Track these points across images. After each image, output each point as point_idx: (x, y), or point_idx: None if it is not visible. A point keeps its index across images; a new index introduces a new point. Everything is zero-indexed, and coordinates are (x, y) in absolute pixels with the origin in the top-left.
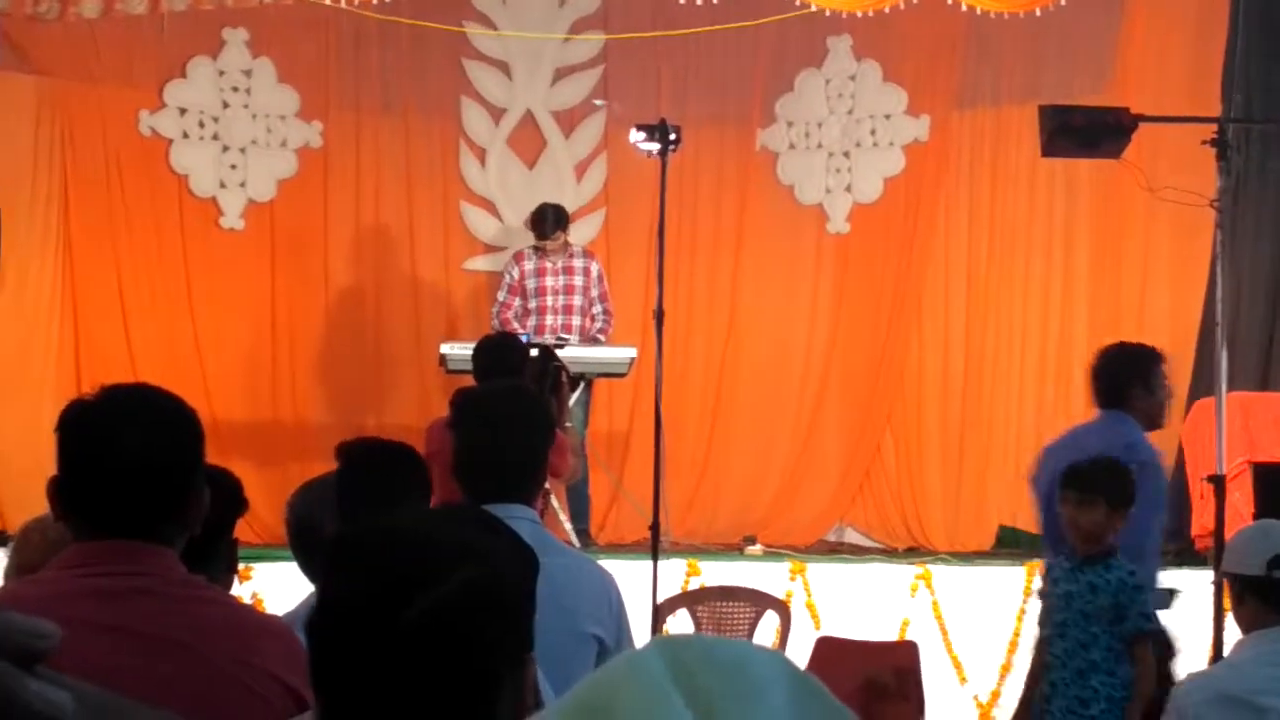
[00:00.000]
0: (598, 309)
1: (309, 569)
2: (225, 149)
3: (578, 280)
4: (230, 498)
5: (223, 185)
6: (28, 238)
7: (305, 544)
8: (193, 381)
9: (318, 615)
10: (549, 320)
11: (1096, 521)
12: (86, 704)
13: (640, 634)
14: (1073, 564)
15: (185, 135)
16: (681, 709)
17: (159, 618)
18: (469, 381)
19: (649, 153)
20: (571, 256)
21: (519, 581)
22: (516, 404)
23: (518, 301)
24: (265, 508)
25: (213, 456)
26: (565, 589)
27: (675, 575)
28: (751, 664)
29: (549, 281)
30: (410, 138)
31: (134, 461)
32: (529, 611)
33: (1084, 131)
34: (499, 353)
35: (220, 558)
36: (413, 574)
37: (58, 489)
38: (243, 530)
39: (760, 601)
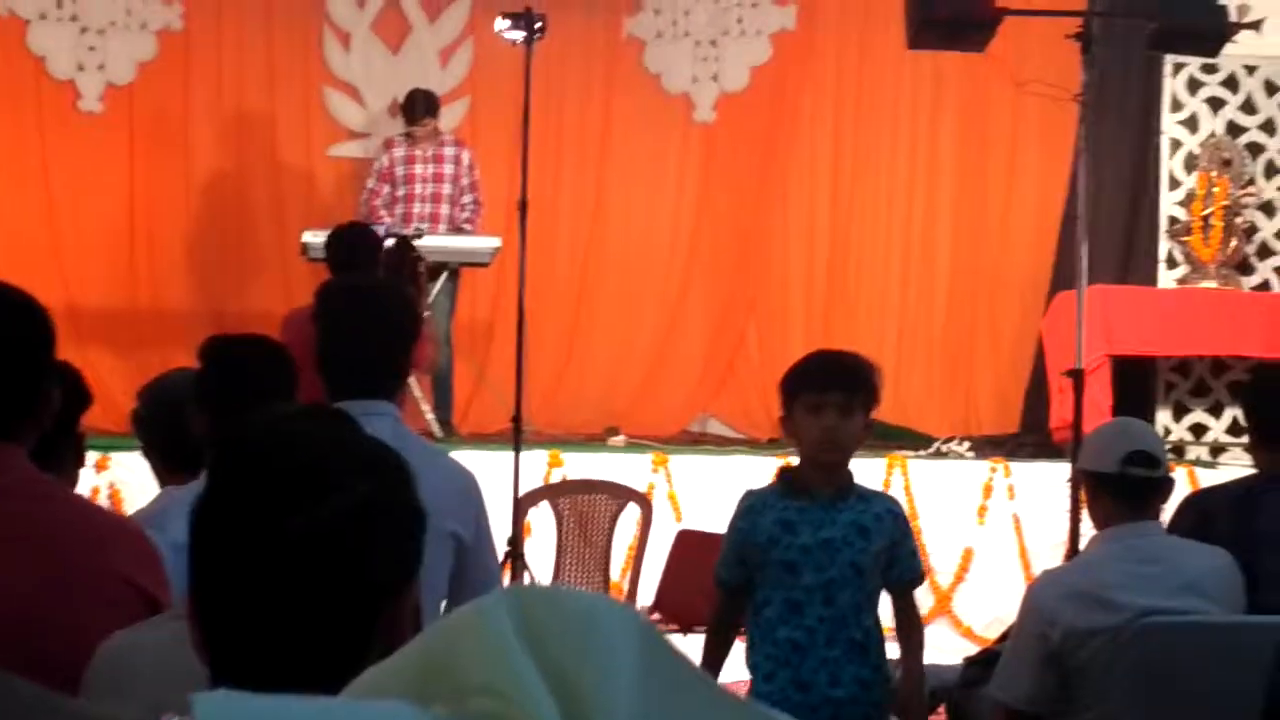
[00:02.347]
0: (467, 198)
1: (162, 462)
2: (84, 30)
3: (447, 169)
4: (74, 393)
5: (81, 68)
6: None
7: (159, 439)
8: (49, 267)
9: (203, 512)
10: (416, 208)
11: (855, 435)
12: None
13: (501, 529)
14: (820, 500)
15: (43, 16)
16: (526, 662)
17: (9, 518)
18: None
19: (514, 41)
20: (442, 145)
21: (412, 502)
22: (381, 299)
23: (386, 189)
24: (124, 396)
25: (70, 344)
26: (423, 486)
27: (537, 467)
28: (601, 618)
29: (418, 169)
30: (273, 21)
31: None
32: (418, 534)
33: (949, 24)
34: (353, 242)
35: (67, 454)
36: (308, 482)
37: None
38: (99, 418)
39: (621, 494)
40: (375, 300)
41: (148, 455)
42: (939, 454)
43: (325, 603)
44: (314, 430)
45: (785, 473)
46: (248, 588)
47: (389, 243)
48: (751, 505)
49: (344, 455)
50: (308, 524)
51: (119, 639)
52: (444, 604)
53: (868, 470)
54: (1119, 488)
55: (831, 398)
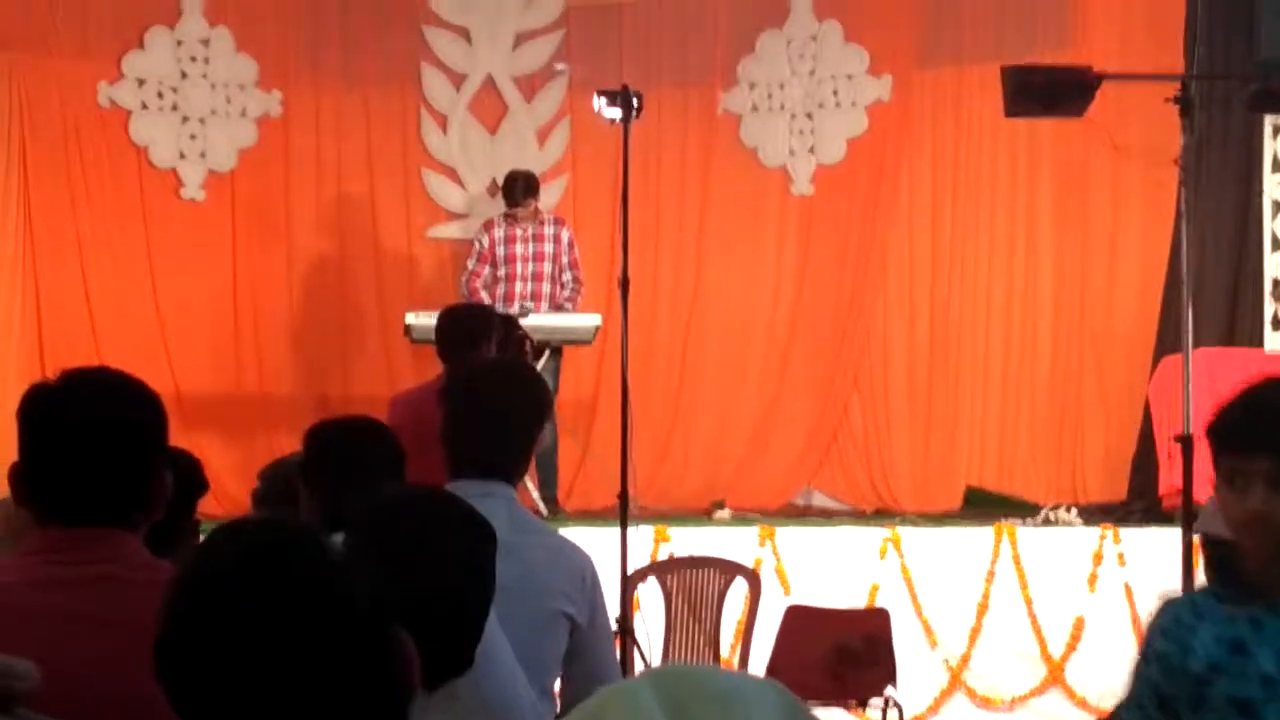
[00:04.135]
0: (567, 276)
1: None
2: (185, 119)
3: (548, 248)
4: (191, 480)
5: (182, 156)
6: None
7: None
8: (156, 355)
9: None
10: (518, 288)
11: None
12: None
13: (609, 605)
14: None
15: (144, 106)
16: None
17: (123, 605)
18: (433, 352)
19: (612, 120)
20: (542, 224)
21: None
22: (511, 381)
23: (487, 269)
24: (231, 480)
25: (177, 429)
26: (539, 567)
27: (644, 542)
28: (746, 695)
29: (519, 249)
30: (370, 105)
31: (94, 448)
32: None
33: (1046, 91)
34: (465, 322)
35: (183, 540)
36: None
37: (19, 476)
38: (208, 503)
39: (729, 569)
40: (505, 382)
41: None
42: (1047, 521)
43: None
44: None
45: (1220, 564)
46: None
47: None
48: (1176, 618)
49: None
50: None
51: None
52: (558, 685)
53: (975, 540)
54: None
55: (1258, 464)
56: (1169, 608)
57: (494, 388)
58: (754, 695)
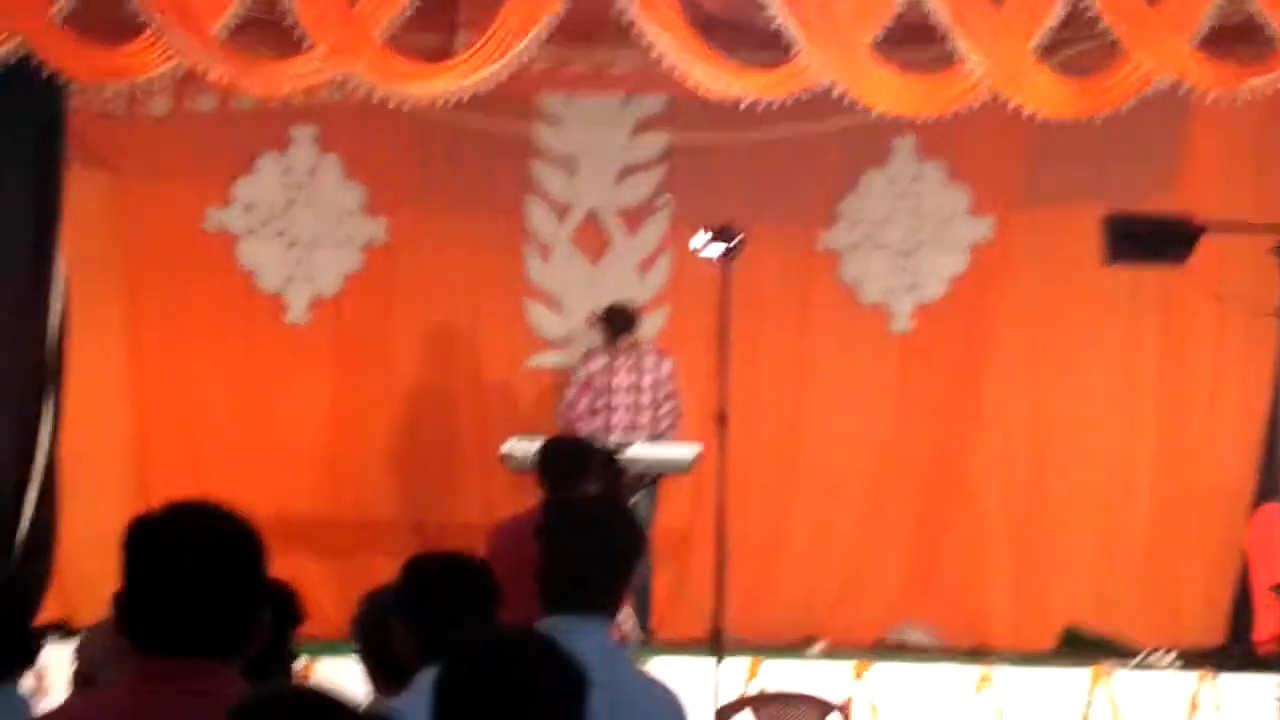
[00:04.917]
0: (666, 407)
1: (374, 677)
2: (291, 245)
3: (647, 379)
4: (288, 611)
5: (289, 280)
6: (95, 334)
7: (370, 650)
8: (257, 476)
9: None
10: (616, 419)
11: None
12: None
13: None
14: None
15: (251, 231)
16: None
17: None
18: (532, 481)
19: (713, 257)
20: (643, 355)
21: None
22: (608, 518)
23: (586, 399)
24: (330, 602)
25: (276, 550)
26: (629, 706)
27: (736, 674)
28: None
29: (618, 380)
30: (475, 233)
31: (195, 584)
32: None
33: (1148, 240)
34: (567, 455)
35: (278, 670)
36: None
37: (120, 605)
38: (305, 626)
39: (821, 706)
40: (603, 520)
41: (363, 662)
42: (1144, 665)
43: None
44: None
45: None
46: None
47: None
48: None
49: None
50: None
51: None
52: None
53: (1071, 681)
54: None
55: None
56: None
57: (591, 525)
58: None
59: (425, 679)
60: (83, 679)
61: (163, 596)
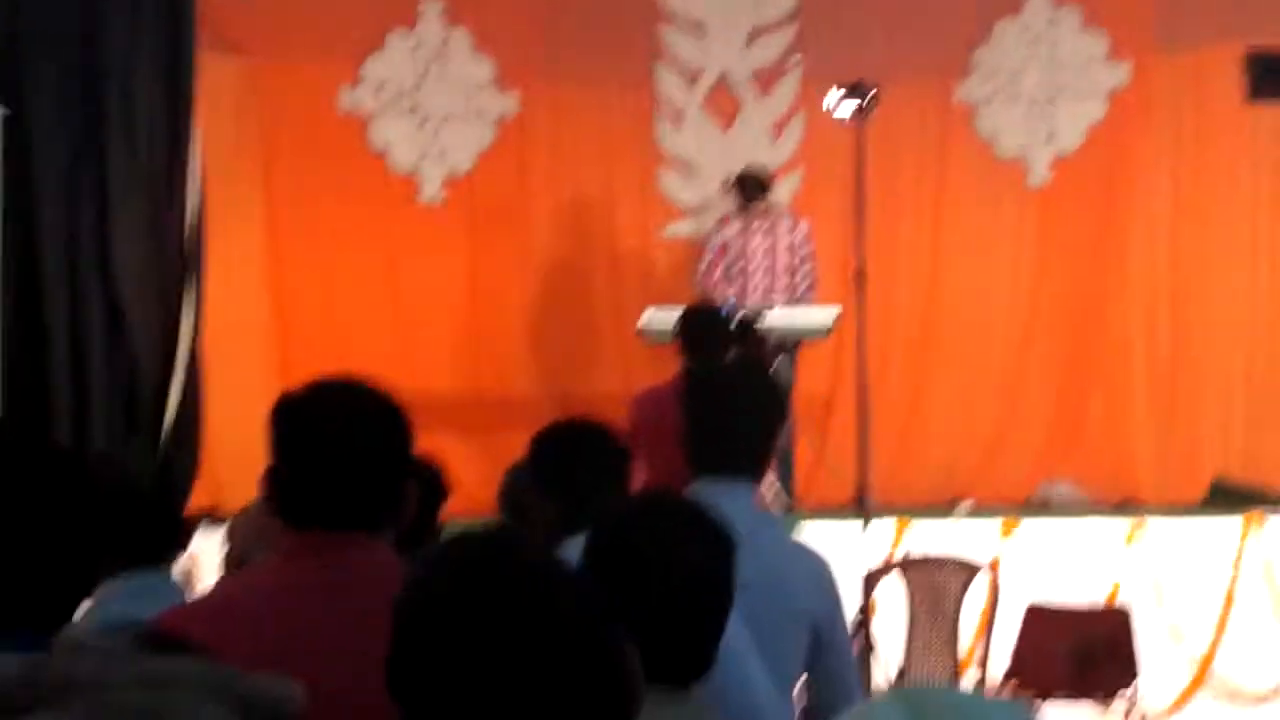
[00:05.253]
0: (802, 271)
1: None
2: (423, 122)
3: (783, 243)
4: (434, 487)
5: (422, 158)
6: (231, 218)
7: (516, 522)
8: (396, 356)
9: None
10: (753, 284)
11: None
12: None
13: (850, 603)
14: None
15: (384, 109)
16: None
17: (374, 610)
18: (670, 351)
19: (847, 115)
20: (778, 219)
21: None
22: (750, 383)
23: (722, 266)
24: (472, 480)
25: (420, 431)
26: (780, 566)
27: (883, 536)
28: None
29: (754, 245)
30: (606, 104)
31: (346, 456)
32: None
33: None
34: (705, 322)
35: (428, 544)
36: None
37: (272, 482)
38: (450, 503)
39: (968, 568)
40: (744, 385)
41: None
42: None
43: None
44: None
45: None
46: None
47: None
48: None
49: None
50: None
51: None
52: (798, 686)
53: (1221, 531)
54: None
55: None
56: None
57: (734, 390)
58: (1002, 716)
59: (568, 549)
60: (235, 561)
61: (313, 470)
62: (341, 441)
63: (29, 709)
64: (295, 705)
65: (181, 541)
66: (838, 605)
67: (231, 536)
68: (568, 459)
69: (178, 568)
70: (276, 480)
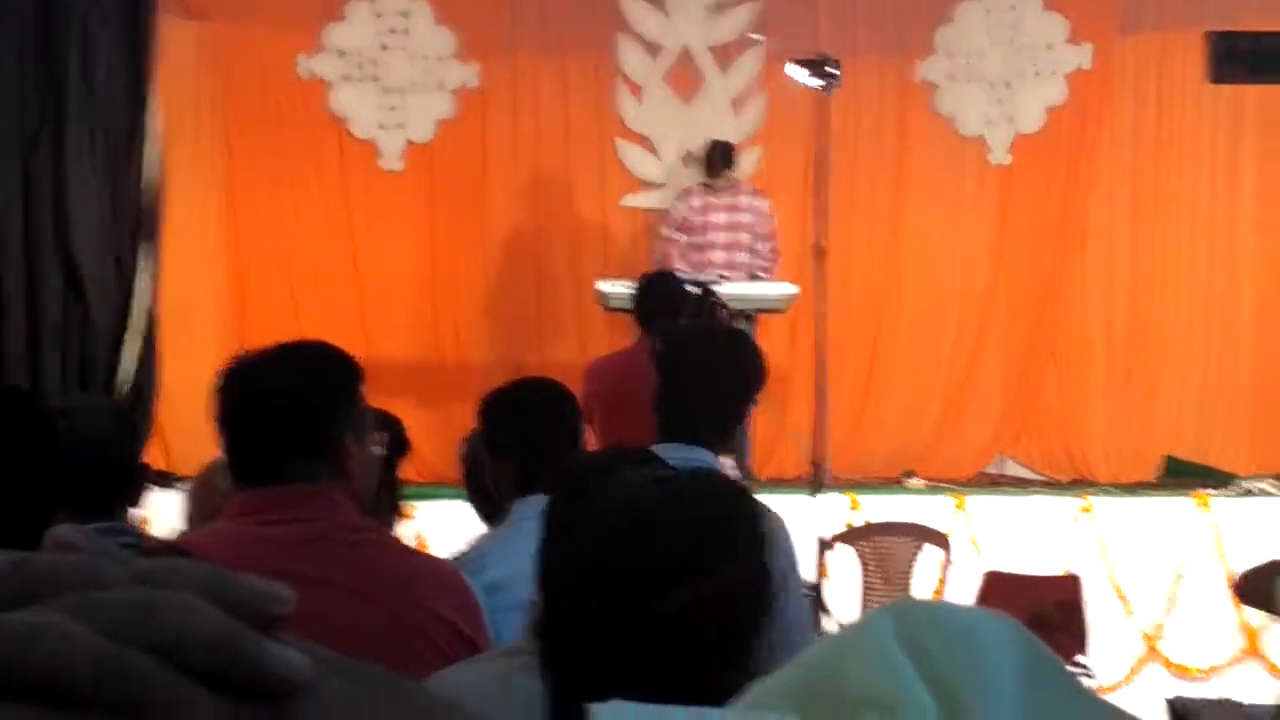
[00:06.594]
0: (764, 246)
1: (485, 517)
2: (384, 91)
3: (745, 218)
4: (393, 440)
5: (381, 127)
6: (191, 183)
7: (471, 486)
8: (354, 323)
9: (566, 578)
10: (714, 257)
11: None
12: (322, 665)
13: (806, 569)
14: None
15: (344, 78)
16: (912, 676)
17: (335, 564)
18: (627, 320)
19: (809, 88)
20: (740, 194)
21: (765, 573)
22: (722, 350)
23: (683, 238)
24: (428, 448)
25: (375, 398)
26: None
27: (837, 511)
28: (982, 631)
29: (715, 218)
30: (567, 75)
31: (281, 403)
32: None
33: (1253, 57)
34: (662, 291)
35: (386, 501)
36: (676, 564)
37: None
38: (405, 469)
39: (922, 535)
40: (714, 347)
41: (473, 503)
42: (1246, 492)
43: (685, 671)
44: (673, 509)
45: None
46: (607, 657)
47: (692, 289)
48: None
49: (706, 535)
50: (678, 608)
51: (441, 677)
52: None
53: (1172, 509)
54: None
55: None
56: None
57: (718, 353)
58: (991, 634)
59: (520, 509)
60: (192, 522)
61: (250, 420)
62: (270, 388)
63: (19, 604)
64: (287, 607)
65: (133, 498)
66: (792, 564)
67: (192, 497)
68: (515, 416)
69: (133, 515)
70: (223, 436)
